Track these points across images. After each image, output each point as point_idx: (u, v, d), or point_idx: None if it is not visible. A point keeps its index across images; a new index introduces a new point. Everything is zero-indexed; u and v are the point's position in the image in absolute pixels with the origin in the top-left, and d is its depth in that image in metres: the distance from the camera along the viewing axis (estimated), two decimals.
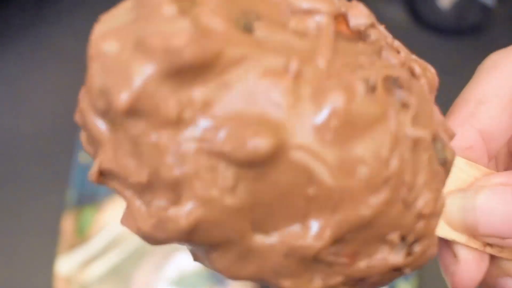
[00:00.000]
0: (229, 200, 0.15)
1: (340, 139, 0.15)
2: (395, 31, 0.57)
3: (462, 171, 0.19)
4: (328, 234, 0.15)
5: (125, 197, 0.16)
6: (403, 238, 0.16)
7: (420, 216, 0.16)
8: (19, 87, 0.53)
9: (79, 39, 0.56)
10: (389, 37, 0.17)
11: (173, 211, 0.15)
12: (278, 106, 0.14)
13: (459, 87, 0.54)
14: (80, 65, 0.54)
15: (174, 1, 0.14)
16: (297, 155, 0.15)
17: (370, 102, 0.15)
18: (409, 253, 0.17)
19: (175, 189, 0.15)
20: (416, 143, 0.16)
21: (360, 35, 0.16)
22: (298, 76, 0.15)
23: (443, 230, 0.18)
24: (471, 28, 0.57)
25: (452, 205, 0.18)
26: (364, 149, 0.15)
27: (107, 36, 0.15)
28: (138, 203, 0.16)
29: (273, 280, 0.16)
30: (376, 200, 0.15)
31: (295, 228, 0.15)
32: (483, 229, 0.18)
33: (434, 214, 0.16)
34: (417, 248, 0.17)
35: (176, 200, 0.15)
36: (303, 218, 0.15)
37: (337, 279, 0.16)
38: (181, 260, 0.46)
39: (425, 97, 0.17)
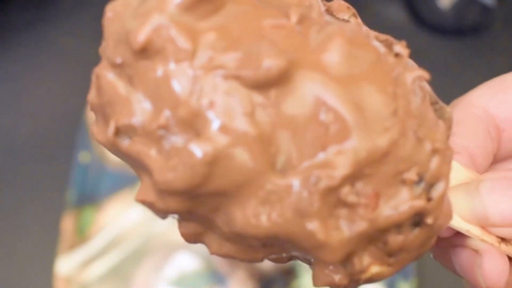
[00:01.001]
0: (248, 127, 0.15)
1: (346, 73, 0.16)
2: (395, 31, 0.57)
3: (460, 172, 0.19)
4: (348, 162, 0.15)
5: (141, 155, 0.16)
6: (420, 178, 0.16)
7: (434, 152, 0.16)
8: (19, 87, 0.53)
9: (79, 39, 0.56)
10: (368, 29, 0.18)
11: (193, 145, 0.15)
12: (286, 42, 0.15)
13: (458, 87, 0.54)
14: (80, 65, 0.54)
15: None
16: (308, 81, 0.15)
17: (368, 44, 0.16)
18: (429, 199, 0.17)
19: (194, 124, 0.15)
20: (414, 82, 0.17)
21: (344, 21, 0.18)
22: (300, 22, 0.16)
23: (456, 221, 0.18)
24: (471, 28, 0.57)
25: (459, 197, 0.19)
26: (369, 83, 0.16)
27: None
28: (155, 153, 0.15)
29: (299, 226, 0.15)
30: (389, 128, 0.16)
31: (315, 160, 0.15)
32: (493, 216, 0.18)
33: (445, 156, 0.17)
34: (436, 193, 0.17)
35: (196, 135, 0.15)
36: (321, 149, 0.15)
37: (362, 225, 0.16)
38: (181, 260, 0.46)
39: (410, 61, 0.18)
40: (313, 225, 0.15)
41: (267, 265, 0.45)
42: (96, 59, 0.54)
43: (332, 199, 0.16)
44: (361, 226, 0.16)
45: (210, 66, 0.15)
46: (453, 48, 0.57)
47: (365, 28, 0.18)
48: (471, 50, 0.57)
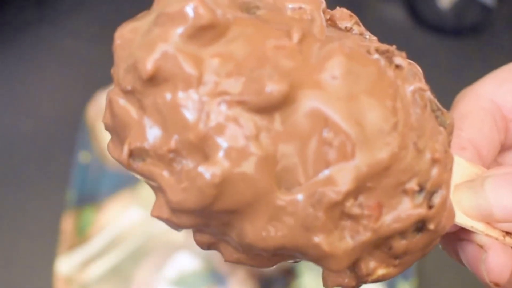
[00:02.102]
0: (254, 150, 0.16)
1: (346, 90, 0.16)
2: (395, 31, 0.57)
3: (464, 168, 0.20)
4: (350, 178, 0.16)
5: (154, 175, 0.17)
6: (421, 188, 0.17)
7: (433, 161, 0.17)
8: (19, 87, 0.53)
9: (79, 39, 0.56)
10: (370, 35, 0.19)
11: (202, 168, 0.16)
12: (287, 63, 0.16)
13: (459, 86, 0.54)
14: (80, 65, 0.54)
15: None
16: (310, 100, 0.16)
17: (368, 60, 0.17)
18: (430, 206, 0.17)
19: (202, 148, 0.16)
20: (414, 94, 0.17)
21: (346, 30, 0.19)
22: (301, 41, 0.17)
23: (460, 218, 0.19)
24: (471, 28, 0.57)
25: (463, 194, 0.19)
26: (369, 98, 0.16)
27: (126, 24, 0.17)
28: (167, 174, 0.16)
29: (306, 239, 0.16)
30: (389, 143, 0.16)
31: (319, 177, 0.16)
32: (497, 211, 0.19)
33: (445, 164, 0.17)
34: (436, 200, 0.17)
35: (204, 158, 0.16)
36: (324, 166, 0.16)
37: (367, 234, 0.17)
38: (181, 260, 0.46)
39: (412, 70, 0.18)
40: (318, 238, 0.16)
41: None
42: (96, 59, 0.54)
43: (336, 212, 0.16)
44: (365, 236, 0.17)
45: (215, 92, 0.16)
46: (453, 48, 0.57)
47: (368, 35, 0.19)
48: (471, 50, 0.57)
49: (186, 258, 0.46)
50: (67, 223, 0.46)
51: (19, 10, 0.57)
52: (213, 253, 0.45)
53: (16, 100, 0.52)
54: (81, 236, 0.46)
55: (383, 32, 0.57)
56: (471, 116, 0.21)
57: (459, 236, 0.20)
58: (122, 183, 0.48)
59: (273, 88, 0.16)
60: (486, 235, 0.19)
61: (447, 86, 0.54)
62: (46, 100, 0.53)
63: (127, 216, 0.47)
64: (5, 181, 0.49)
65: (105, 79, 0.51)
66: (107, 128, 0.18)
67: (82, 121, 0.50)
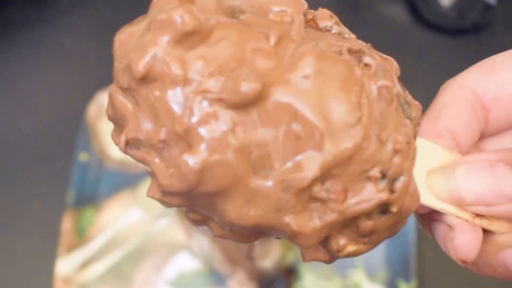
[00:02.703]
0: (230, 141, 0.18)
1: (316, 87, 0.18)
2: (396, 30, 0.57)
3: (440, 155, 0.22)
4: (316, 166, 0.18)
5: (148, 162, 0.19)
6: (383, 175, 0.19)
7: (395, 151, 0.19)
8: (19, 87, 0.53)
9: (79, 39, 0.56)
10: (349, 33, 0.21)
11: (186, 156, 0.18)
12: (263, 63, 0.18)
13: None
14: (80, 65, 0.54)
15: (177, 1, 0.19)
16: (282, 96, 0.18)
17: (337, 60, 0.19)
18: (392, 191, 0.19)
19: (186, 139, 0.18)
20: (380, 90, 0.19)
21: (325, 30, 0.21)
22: (278, 43, 0.19)
23: (432, 201, 0.21)
24: (473, 27, 0.57)
25: (435, 179, 0.21)
26: (336, 95, 0.18)
27: (124, 29, 0.19)
28: (158, 161, 0.19)
29: (278, 219, 0.19)
30: (353, 135, 0.18)
31: (289, 164, 0.18)
32: (467, 196, 0.20)
33: (407, 153, 0.19)
34: (398, 185, 0.19)
35: (188, 147, 0.18)
36: (294, 155, 0.18)
37: (333, 215, 0.19)
38: (181, 261, 0.46)
39: (385, 66, 0.20)
40: (289, 218, 0.19)
41: (267, 265, 0.45)
42: (96, 59, 0.54)
43: (305, 196, 0.19)
44: (331, 216, 0.19)
45: (198, 90, 0.18)
46: (454, 47, 0.56)
47: (347, 34, 0.21)
48: (472, 49, 0.57)
49: (186, 258, 0.46)
50: (67, 224, 0.46)
51: (19, 10, 0.57)
52: (213, 254, 0.45)
53: (16, 100, 0.52)
54: (81, 237, 0.46)
55: (384, 31, 0.57)
56: (450, 106, 0.23)
57: (432, 217, 0.22)
58: (122, 183, 0.48)
59: (248, 87, 0.18)
60: (457, 216, 0.21)
61: None
62: (46, 100, 0.53)
63: (127, 217, 0.47)
64: (5, 181, 0.49)
65: (105, 79, 0.51)
66: (109, 119, 0.20)
67: (82, 121, 0.50)
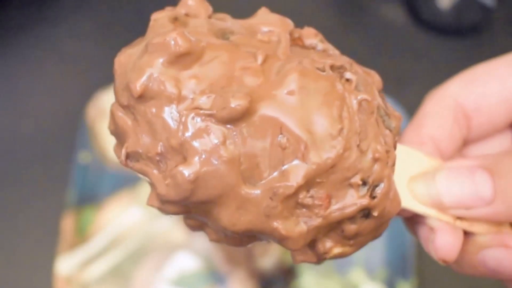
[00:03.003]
0: (222, 153, 0.19)
1: (300, 102, 0.20)
2: (395, 32, 0.57)
3: (422, 161, 0.23)
4: (301, 175, 0.20)
5: (147, 173, 0.20)
6: (364, 182, 0.21)
7: (375, 160, 0.21)
8: (19, 87, 0.53)
9: (79, 39, 0.56)
10: (334, 49, 0.23)
11: (181, 167, 0.19)
12: (251, 81, 0.20)
13: None
14: (80, 65, 0.54)
15: (171, 25, 0.21)
16: (268, 111, 0.20)
17: (320, 76, 0.20)
18: (373, 197, 0.21)
19: (181, 152, 0.20)
20: (360, 103, 0.21)
21: (311, 47, 0.23)
22: (264, 61, 0.20)
23: (414, 205, 0.22)
24: (471, 28, 0.57)
25: (417, 185, 0.22)
26: (319, 109, 0.20)
27: (124, 51, 0.21)
28: (156, 172, 0.20)
29: (267, 224, 0.20)
30: (335, 146, 0.20)
31: (275, 174, 0.20)
32: (447, 200, 0.22)
33: (386, 162, 0.21)
34: (378, 191, 0.21)
35: (183, 160, 0.20)
36: (280, 165, 0.20)
37: (318, 220, 0.20)
38: (181, 260, 0.46)
39: (367, 80, 0.22)
40: (277, 224, 0.20)
41: (267, 265, 0.45)
42: (96, 59, 0.54)
43: (291, 202, 0.20)
44: (316, 221, 0.20)
45: (191, 107, 0.20)
46: (453, 48, 0.57)
47: (332, 51, 0.22)
48: (471, 50, 0.57)
49: (186, 258, 0.46)
50: (67, 223, 0.46)
51: (19, 10, 0.57)
52: (213, 253, 0.45)
53: (16, 100, 0.53)
54: (81, 236, 0.46)
55: (383, 32, 0.58)
56: (433, 115, 0.24)
57: (415, 219, 0.23)
58: (122, 183, 0.48)
59: (236, 103, 0.19)
60: (438, 219, 0.22)
61: None
62: (46, 100, 0.53)
63: (127, 216, 0.47)
64: (5, 181, 0.49)
65: (105, 79, 0.51)
66: (111, 133, 0.22)
67: (82, 121, 0.50)
